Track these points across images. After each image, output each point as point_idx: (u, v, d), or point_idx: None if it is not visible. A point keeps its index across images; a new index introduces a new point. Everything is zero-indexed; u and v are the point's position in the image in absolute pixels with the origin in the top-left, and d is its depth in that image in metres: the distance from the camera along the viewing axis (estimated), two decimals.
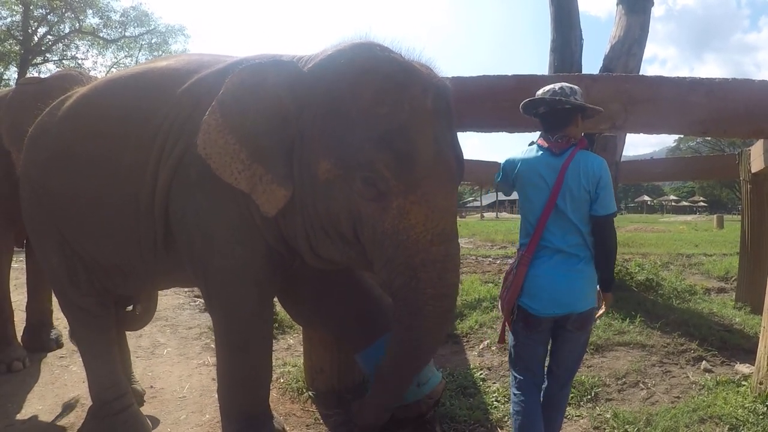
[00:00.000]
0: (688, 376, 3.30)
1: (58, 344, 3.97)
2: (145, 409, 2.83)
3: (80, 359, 3.35)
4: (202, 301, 5.35)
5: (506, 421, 2.63)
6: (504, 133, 2.88)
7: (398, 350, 1.91)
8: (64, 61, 21.00)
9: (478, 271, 7.09)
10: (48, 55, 20.69)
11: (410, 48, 1.96)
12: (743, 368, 3.28)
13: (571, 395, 2.74)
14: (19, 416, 2.90)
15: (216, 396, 2.86)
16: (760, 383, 2.80)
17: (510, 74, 2.65)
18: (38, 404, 3.04)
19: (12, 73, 20.12)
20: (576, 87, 2.08)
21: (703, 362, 3.51)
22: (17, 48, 19.14)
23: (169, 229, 2.17)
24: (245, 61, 2.23)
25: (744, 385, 2.95)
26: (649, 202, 52.37)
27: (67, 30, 20.39)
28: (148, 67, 2.46)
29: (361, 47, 1.91)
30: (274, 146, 1.89)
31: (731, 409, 2.67)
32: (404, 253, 1.76)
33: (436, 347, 1.99)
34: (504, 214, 34.41)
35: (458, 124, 2.14)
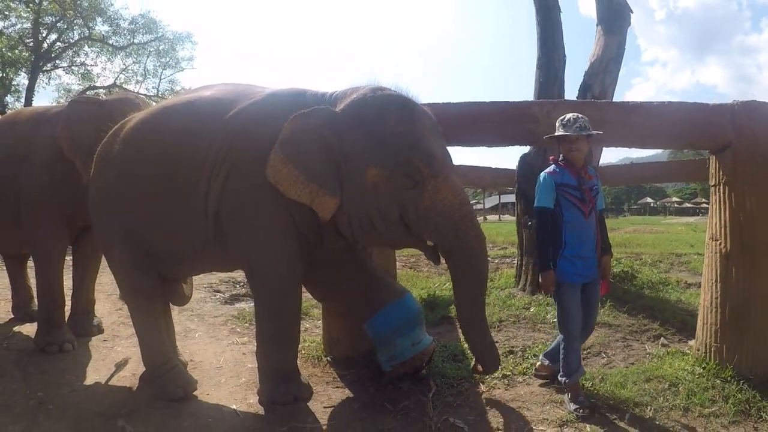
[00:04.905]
0: (645, 349, 3.76)
1: (100, 330, 4.33)
2: None
3: (123, 342, 3.87)
4: (222, 294, 5.88)
5: (487, 378, 3.16)
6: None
7: (468, 283, 2.66)
8: (73, 67, 21.41)
9: None
10: (57, 61, 20.97)
11: (404, 87, 2.77)
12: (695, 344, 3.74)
13: (538, 362, 3.26)
14: (79, 384, 3.31)
15: (248, 366, 3.42)
16: (698, 350, 3.31)
17: (499, 100, 3.35)
18: (94, 375, 3.44)
19: (22, 79, 20.44)
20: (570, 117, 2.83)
21: (662, 339, 3.94)
22: (27, 54, 19.46)
23: (219, 226, 2.77)
24: (276, 93, 2.85)
25: (688, 354, 3.41)
26: (652, 204, 51.96)
27: (76, 37, 20.62)
28: (195, 97, 3.04)
29: (378, 89, 2.66)
30: (323, 168, 2.60)
31: (673, 370, 3.13)
32: (446, 217, 2.57)
33: (487, 267, 2.84)
34: (507, 217, 34.21)
35: (464, 141, 3.23)
